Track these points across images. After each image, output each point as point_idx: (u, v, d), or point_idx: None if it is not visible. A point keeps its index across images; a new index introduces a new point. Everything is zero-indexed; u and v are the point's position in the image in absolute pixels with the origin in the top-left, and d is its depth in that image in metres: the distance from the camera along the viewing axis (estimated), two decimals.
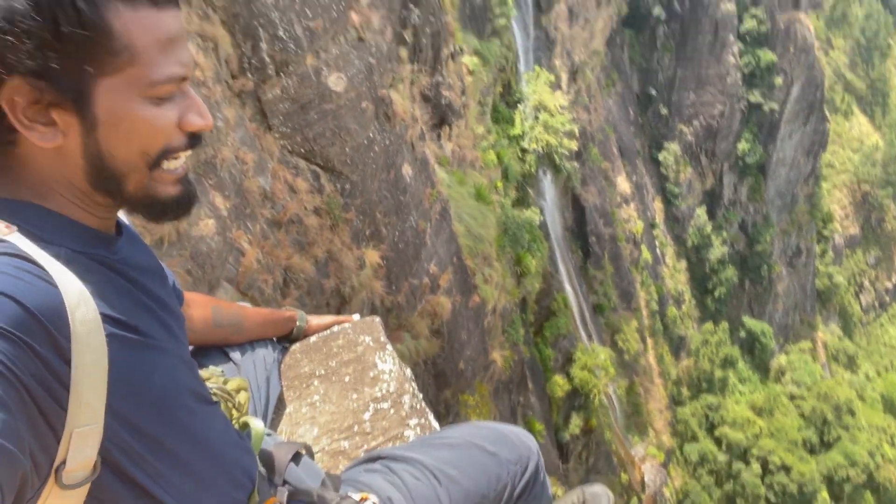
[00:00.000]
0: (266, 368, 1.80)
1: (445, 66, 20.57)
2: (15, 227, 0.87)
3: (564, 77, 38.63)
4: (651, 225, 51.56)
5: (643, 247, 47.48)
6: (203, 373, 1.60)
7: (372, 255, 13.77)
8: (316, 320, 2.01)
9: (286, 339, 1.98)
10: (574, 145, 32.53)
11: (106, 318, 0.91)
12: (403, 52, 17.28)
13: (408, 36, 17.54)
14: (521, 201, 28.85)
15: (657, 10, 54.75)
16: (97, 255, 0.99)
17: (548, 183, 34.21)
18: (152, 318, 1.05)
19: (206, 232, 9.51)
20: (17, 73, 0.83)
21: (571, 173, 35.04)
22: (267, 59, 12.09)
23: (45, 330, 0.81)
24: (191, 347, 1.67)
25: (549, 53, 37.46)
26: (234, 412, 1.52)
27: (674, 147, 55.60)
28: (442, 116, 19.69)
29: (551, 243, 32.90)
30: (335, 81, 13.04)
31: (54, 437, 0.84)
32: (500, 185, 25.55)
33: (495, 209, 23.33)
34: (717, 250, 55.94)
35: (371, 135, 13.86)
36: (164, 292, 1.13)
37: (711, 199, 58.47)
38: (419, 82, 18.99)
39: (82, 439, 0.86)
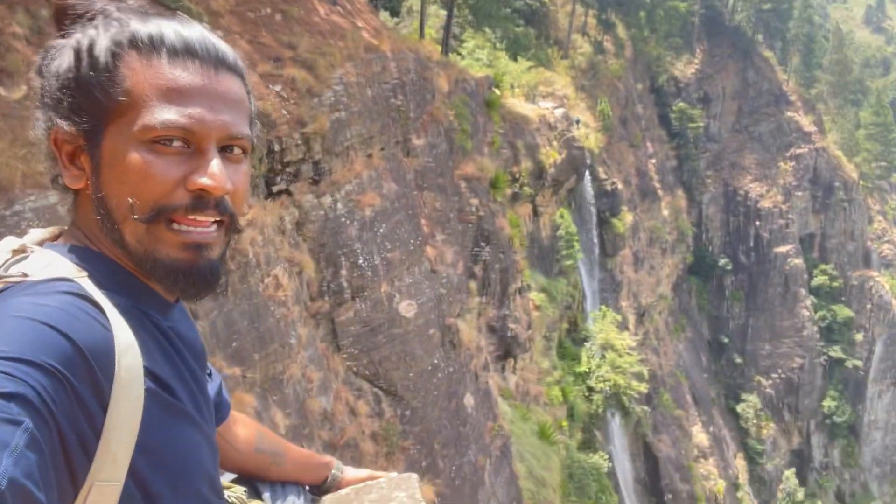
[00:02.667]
0: None
1: (512, 300, 21.26)
2: (86, 273, 0.93)
3: (631, 319, 38.86)
4: (734, 485, 46.86)
5: None
6: (224, 481, 1.52)
7: (426, 492, 12.94)
8: (352, 472, 1.87)
9: (318, 488, 1.82)
10: (643, 388, 31.47)
11: (147, 373, 0.91)
12: (473, 285, 18.09)
13: (478, 270, 18.53)
14: (588, 444, 27.26)
15: (723, 261, 56.18)
16: (152, 315, 1.01)
17: (616, 426, 32.53)
18: (187, 389, 1.03)
19: None
20: (60, 116, 0.94)
21: (642, 418, 33.39)
22: (345, 285, 12.88)
23: (91, 370, 0.82)
24: (232, 476, 1.62)
25: (615, 295, 38.27)
26: None
27: (753, 399, 52.78)
28: (507, 349, 19.79)
29: (621, 496, 30.20)
30: (406, 308, 13.58)
31: (73, 489, 0.80)
32: (564, 424, 24.45)
33: (560, 451, 22.02)
34: None
35: (436, 361, 13.96)
36: (202, 376, 1.13)
37: (801, 461, 53.44)
38: (486, 314, 19.53)
39: (101, 495, 0.82)
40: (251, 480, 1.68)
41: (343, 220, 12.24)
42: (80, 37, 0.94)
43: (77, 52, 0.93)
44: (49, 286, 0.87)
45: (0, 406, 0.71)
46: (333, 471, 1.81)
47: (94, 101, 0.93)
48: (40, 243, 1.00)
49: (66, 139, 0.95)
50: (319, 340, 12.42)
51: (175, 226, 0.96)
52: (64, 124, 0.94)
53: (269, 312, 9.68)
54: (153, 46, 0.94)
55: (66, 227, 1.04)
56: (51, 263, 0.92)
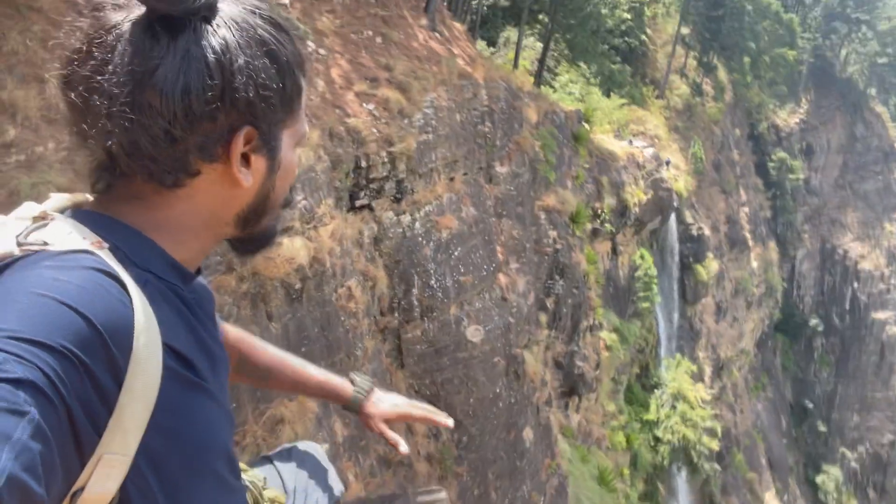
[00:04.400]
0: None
1: (583, 337, 20.81)
2: (107, 245, 0.92)
3: (708, 370, 37.10)
4: None
5: None
6: (241, 464, 1.53)
7: None
8: (388, 406, 1.76)
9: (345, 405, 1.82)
10: (715, 445, 29.85)
11: (167, 349, 0.90)
12: (543, 318, 17.88)
13: (549, 303, 18.31)
14: (650, 496, 26.08)
15: (814, 321, 52.88)
16: (176, 286, 1.02)
17: (682, 482, 30.94)
18: (209, 360, 1.04)
19: None
20: (251, 124, 0.98)
21: (711, 476, 31.61)
22: (415, 303, 13.03)
23: (107, 348, 0.80)
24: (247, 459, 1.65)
25: (692, 344, 36.70)
26: None
27: (834, 472, 48.97)
28: (572, 386, 19.33)
29: None
30: (473, 332, 13.57)
31: (80, 462, 0.80)
32: (626, 472, 23.52)
33: (619, 499, 21.18)
34: None
35: (498, 390, 13.82)
36: (220, 341, 1.15)
37: None
38: (554, 348, 19.21)
39: (108, 467, 0.82)
40: (275, 465, 1.68)
41: (420, 239, 12.43)
42: (271, 42, 1.00)
43: (277, 63, 1.00)
44: (70, 259, 0.85)
45: (7, 393, 0.70)
46: (354, 396, 1.77)
47: (288, 113, 1.05)
48: (61, 210, 0.99)
49: (246, 142, 1.00)
50: (384, 355, 12.58)
51: None
52: (257, 130, 1.00)
53: (340, 322, 9.91)
54: (304, 71, 1.10)
55: (87, 196, 1.04)
56: (72, 233, 0.91)
